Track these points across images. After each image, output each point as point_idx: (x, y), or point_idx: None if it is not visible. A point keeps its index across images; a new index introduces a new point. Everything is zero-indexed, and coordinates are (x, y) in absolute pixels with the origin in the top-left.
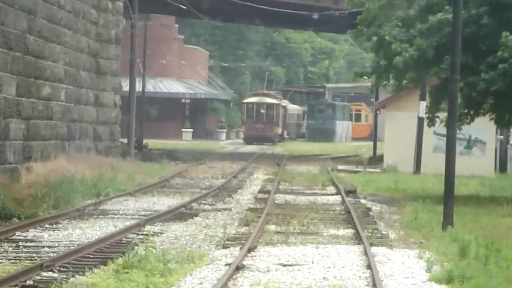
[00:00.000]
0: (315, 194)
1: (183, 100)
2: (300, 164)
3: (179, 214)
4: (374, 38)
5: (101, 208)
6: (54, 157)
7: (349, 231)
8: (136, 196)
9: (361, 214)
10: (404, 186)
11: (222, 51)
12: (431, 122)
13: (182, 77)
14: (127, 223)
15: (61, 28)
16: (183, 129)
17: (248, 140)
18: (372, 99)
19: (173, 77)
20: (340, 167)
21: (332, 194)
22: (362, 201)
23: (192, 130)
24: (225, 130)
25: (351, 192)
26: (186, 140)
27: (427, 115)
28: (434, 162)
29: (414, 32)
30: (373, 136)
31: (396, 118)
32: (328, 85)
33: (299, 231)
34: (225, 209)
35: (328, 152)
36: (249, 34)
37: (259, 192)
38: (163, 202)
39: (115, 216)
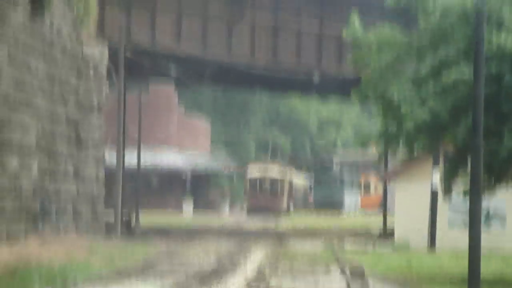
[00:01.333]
0: (319, 273)
1: (183, 177)
2: (304, 240)
3: None
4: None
5: None
6: (24, 239)
7: None
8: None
9: None
10: (418, 266)
11: (225, 120)
12: (448, 191)
13: (183, 147)
14: None
15: (32, 95)
16: (184, 203)
17: (252, 211)
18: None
19: (173, 147)
20: (346, 245)
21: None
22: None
23: (193, 204)
24: (228, 204)
25: (357, 274)
26: (187, 213)
27: (443, 183)
28: (450, 238)
29: (425, 92)
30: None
31: (407, 189)
32: (336, 158)
33: None
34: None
35: (335, 227)
36: (253, 104)
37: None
38: None
39: None
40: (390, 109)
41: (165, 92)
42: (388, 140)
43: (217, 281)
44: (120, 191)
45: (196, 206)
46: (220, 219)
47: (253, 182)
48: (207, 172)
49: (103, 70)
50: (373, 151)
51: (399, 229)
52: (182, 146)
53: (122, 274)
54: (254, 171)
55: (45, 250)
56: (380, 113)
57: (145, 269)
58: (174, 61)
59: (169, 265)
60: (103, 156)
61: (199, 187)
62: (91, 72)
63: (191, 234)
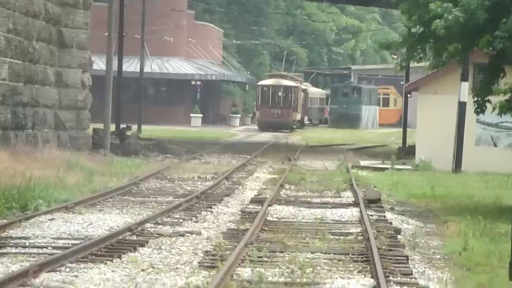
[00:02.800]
0: (326, 205)
1: (193, 82)
2: (316, 158)
3: (117, 245)
4: None
5: (6, 233)
6: None
7: (367, 282)
8: (75, 211)
9: (385, 242)
10: (443, 191)
11: (238, 29)
12: (480, 108)
13: (192, 57)
14: (16, 266)
15: None
16: (192, 114)
17: (263, 127)
18: (402, 82)
19: (181, 56)
20: (363, 162)
21: (348, 206)
22: (388, 215)
23: (202, 115)
24: (239, 115)
25: (373, 202)
26: (195, 126)
27: (474, 99)
28: (477, 157)
29: None
30: (402, 123)
31: (431, 102)
32: (354, 67)
33: (287, 281)
34: (191, 233)
35: (351, 141)
36: (268, 11)
37: (252, 201)
38: (105, 222)
39: (14, 249)
40: (415, 7)
41: None
42: (412, 45)
43: (199, 211)
44: (110, 99)
45: (206, 118)
46: (230, 131)
47: (264, 90)
48: (218, 81)
49: None
50: (393, 58)
51: (420, 145)
52: (192, 53)
53: (97, 199)
54: (266, 78)
55: (14, 165)
56: (404, 12)
57: (127, 191)
58: None
59: (153, 191)
60: (90, 59)
61: (209, 98)
62: None
63: (193, 149)
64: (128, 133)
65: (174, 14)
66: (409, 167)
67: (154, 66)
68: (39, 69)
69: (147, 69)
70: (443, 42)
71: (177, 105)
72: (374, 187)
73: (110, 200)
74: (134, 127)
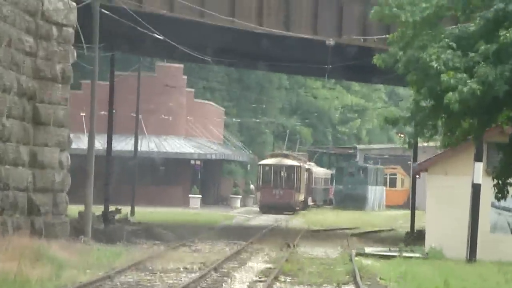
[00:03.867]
0: None
1: (192, 162)
2: (317, 244)
3: None
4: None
5: None
6: None
7: None
8: None
9: None
10: (458, 287)
11: (240, 108)
12: (501, 193)
13: (191, 136)
14: None
15: None
16: (190, 195)
17: (264, 209)
18: (409, 162)
19: (180, 135)
20: (368, 249)
21: None
22: None
23: (200, 196)
24: (240, 196)
25: None
26: (194, 207)
27: (494, 182)
28: (492, 245)
29: (476, 56)
30: (410, 204)
31: (441, 184)
32: (359, 146)
33: None
34: None
35: (356, 225)
36: (271, 90)
37: None
38: None
39: None
40: (425, 78)
41: (172, 72)
42: (421, 120)
43: None
44: (92, 181)
45: (205, 200)
46: (229, 214)
47: (266, 170)
48: (218, 160)
49: (69, 30)
50: (399, 136)
51: (430, 230)
52: (191, 132)
53: None
54: (268, 158)
55: None
56: (412, 83)
57: None
58: (168, 25)
59: (128, 286)
60: (69, 138)
61: (210, 178)
62: (54, 31)
63: (187, 233)
64: (118, 216)
65: (173, 92)
66: (418, 255)
67: (151, 144)
68: (9, 148)
69: (144, 148)
70: (456, 118)
71: (175, 185)
72: (380, 279)
73: None
74: (127, 209)
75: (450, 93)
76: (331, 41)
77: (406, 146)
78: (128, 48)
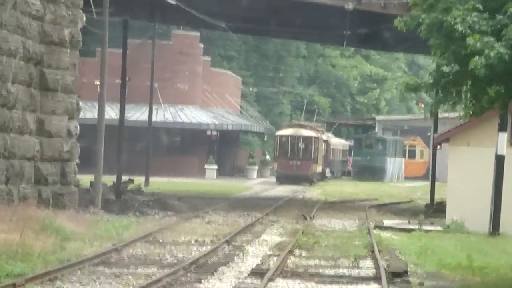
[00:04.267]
0: (340, 279)
1: (208, 132)
2: (335, 216)
3: None
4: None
5: None
6: None
7: None
8: None
9: None
10: (482, 261)
11: (258, 77)
12: None
13: (208, 106)
14: None
15: None
16: (206, 166)
17: (281, 179)
18: (429, 133)
19: (196, 104)
20: (386, 221)
21: (367, 280)
22: None
23: (216, 166)
24: (257, 167)
25: (398, 275)
26: (210, 178)
27: None
28: None
29: (504, 19)
30: (429, 175)
31: (463, 155)
32: (378, 117)
33: None
34: None
35: (375, 196)
36: (289, 59)
37: (251, 274)
38: None
39: None
40: (449, 42)
41: (188, 40)
42: (444, 87)
43: (196, 280)
44: (102, 150)
45: (222, 170)
46: (246, 185)
47: (283, 141)
48: (235, 131)
49: None
50: (419, 106)
51: (451, 203)
52: (207, 102)
53: (60, 272)
54: (285, 128)
55: None
56: (435, 47)
57: (103, 261)
58: None
59: (136, 259)
60: (78, 105)
61: (226, 149)
62: None
63: (199, 205)
64: (130, 186)
65: (189, 61)
66: (439, 228)
67: (167, 114)
68: (15, 115)
69: (159, 117)
70: (482, 84)
71: (191, 156)
72: (400, 253)
73: (78, 273)
74: (142, 179)
75: (476, 58)
76: (350, 5)
77: (428, 115)
78: (140, 13)
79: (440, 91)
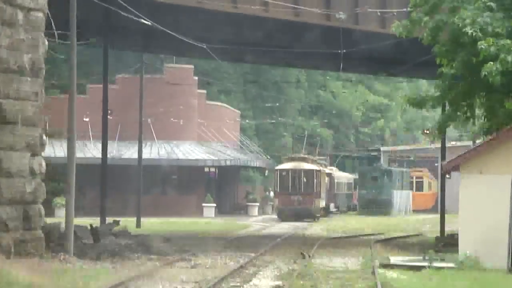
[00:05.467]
0: None
1: (206, 169)
2: (337, 253)
3: None
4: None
5: None
6: None
7: None
8: None
9: None
10: None
11: (257, 110)
12: None
13: (204, 140)
14: None
15: None
16: (204, 204)
17: (283, 216)
18: (436, 164)
19: (192, 140)
20: (394, 258)
21: None
22: None
23: (215, 205)
24: (258, 204)
25: None
26: (208, 217)
27: None
28: None
29: None
30: (438, 208)
31: (476, 184)
32: (383, 148)
33: None
34: None
35: (381, 231)
36: (289, 91)
37: None
38: None
39: None
40: (458, 48)
41: (182, 72)
42: (454, 100)
43: None
44: (73, 190)
45: (221, 209)
46: (245, 223)
47: (283, 175)
48: (235, 167)
49: (39, 15)
50: (425, 133)
51: (464, 236)
52: (204, 137)
53: None
54: (285, 162)
55: None
56: (441, 55)
57: None
58: (164, 14)
59: None
60: (42, 139)
61: (225, 185)
62: (20, 16)
63: (189, 246)
64: (116, 228)
65: (183, 94)
66: (451, 264)
67: (161, 151)
68: None
69: (154, 154)
70: (498, 95)
71: (188, 194)
72: None
73: None
74: (134, 221)
75: (490, 63)
76: (341, 15)
77: (435, 135)
78: (123, 41)
79: (448, 106)
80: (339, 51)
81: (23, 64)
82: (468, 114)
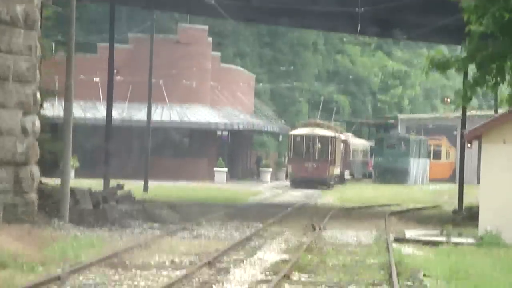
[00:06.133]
0: None
1: (218, 133)
2: (349, 226)
3: None
4: None
5: None
6: None
7: None
8: None
9: None
10: None
11: (272, 75)
12: None
13: (218, 104)
14: None
15: None
16: (215, 168)
17: (296, 183)
18: (455, 132)
19: (205, 103)
20: (409, 232)
21: None
22: None
23: (226, 169)
24: (271, 170)
25: None
26: (219, 182)
27: None
28: None
29: None
30: (456, 178)
31: (499, 154)
32: (401, 116)
33: None
34: None
35: (397, 201)
36: (305, 55)
37: None
38: None
39: None
40: (489, 2)
41: (196, 33)
42: (483, 62)
43: None
44: (69, 151)
45: (233, 174)
46: (256, 189)
47: (297, 141)
48: (248, 131)
49: None
50: (446, 102)
51: (485, 210)
52: (217, 100)
53: None
54: (299, 127)
55: None
56: (470, 11)
57: None
58: None
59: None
60: (36, 97)
61: (238, 150)
62: None
63: (195, 214)
64: (120, 193)
65: (197, 56)
66: (470, 240)
67: (173, 113)
68: None
69: (165, 117)
70: None
71: (200, 158)
72: (424, 276)
73: None
74: (139, 183)
75: None
76: None
77: (457, 104)
78: None
79: (476, 69)
80: (357, 10)
81: (16, 14)
82: (498, 78)
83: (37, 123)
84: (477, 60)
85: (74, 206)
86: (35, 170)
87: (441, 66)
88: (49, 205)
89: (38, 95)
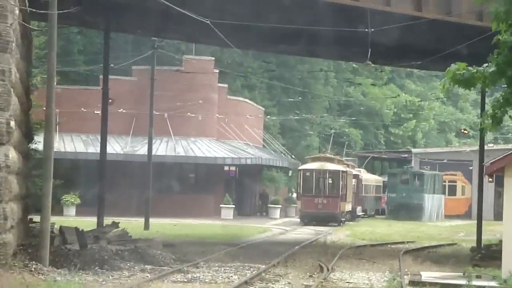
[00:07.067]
0: None
1: (226, 168)
2: (360, 266)
3: None
4: None
5: None
6: None
7: None
8: None
9: None
10: None
11: (282, 108)
12: None
13: (224, 138)
14: None
15: None
16: (222, 205)
17: (306, 220)
18: (471, 167)
19: (212, 136)
20: (425, 274)
21: None
22: None
23: (234, 206)
24: (280, 206)
25: None
26: (226, 219)
27: None
28: None
29: None
30: (471, 213)
31: None
32: (415, 150)
33: None
34: None
35: (411, 238)
36: (316, 87)
37: None
38: None
39: None
40: None
41: (202, 65)
42: None
43: None
44: (50, 187)
45: (241, 210)
46: (264, 226)
47: (307, 175)
48: (257, 166)
49: None
50: (464, 132)
51: (509, 250)
52: (224, 134)
53: None
54: (309, 162)
55: None
56: (499, 21)
57: None
58: None
59: None
60: (9, 126)
61: (246, 186)
62: None
63: (193, 254)
64: (114, 231)
65: (202, 88)
66: (493, 284)
67: (178, 147)
68: None
69: (170, 151)
70: None
71: (206, 194)
72: None
73: None
74: (141, 221)
75: None
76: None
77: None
78: (125, 24)
79: (507, 85)
80: (366, 30)
81: None
82: None
83: (11, 155)
84: (508, 74)
85: (58, 247)
86: (11, 208)
87: (464, 82)
88: (32, 246)
89: (13, 124)
